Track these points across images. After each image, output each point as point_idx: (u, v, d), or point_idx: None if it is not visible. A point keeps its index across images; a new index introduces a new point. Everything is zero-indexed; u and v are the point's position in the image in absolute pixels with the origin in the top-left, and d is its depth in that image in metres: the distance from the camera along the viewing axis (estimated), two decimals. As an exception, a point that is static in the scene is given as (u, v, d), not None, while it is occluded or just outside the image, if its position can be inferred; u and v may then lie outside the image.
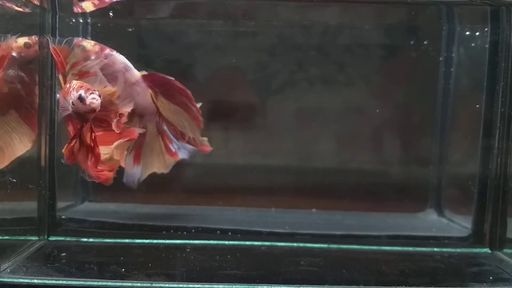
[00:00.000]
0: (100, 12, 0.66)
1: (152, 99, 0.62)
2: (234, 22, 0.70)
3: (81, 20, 0.68)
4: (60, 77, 0.56)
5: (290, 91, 0.75)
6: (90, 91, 0.53)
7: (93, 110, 0.53)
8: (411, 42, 0.75)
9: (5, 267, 0.53)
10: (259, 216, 0.72)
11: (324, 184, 0.76)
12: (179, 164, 0.71)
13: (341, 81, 0.75)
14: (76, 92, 0.52)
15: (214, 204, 0.75)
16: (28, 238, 0.62)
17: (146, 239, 0.64)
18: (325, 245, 0.65)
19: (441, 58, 0.74)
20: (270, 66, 0.74)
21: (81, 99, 0.52)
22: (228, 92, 0.76)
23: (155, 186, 0.73)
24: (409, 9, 0.64)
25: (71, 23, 0.68)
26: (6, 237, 0.59)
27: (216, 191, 0.76)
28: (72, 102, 0.53)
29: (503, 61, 0.64)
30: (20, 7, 0.57)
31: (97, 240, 0.64)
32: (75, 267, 0.53)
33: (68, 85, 0.54)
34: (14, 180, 0.54)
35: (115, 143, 0.58)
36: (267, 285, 0.50)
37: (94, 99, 0.52)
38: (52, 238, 0.64)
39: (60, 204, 0.68)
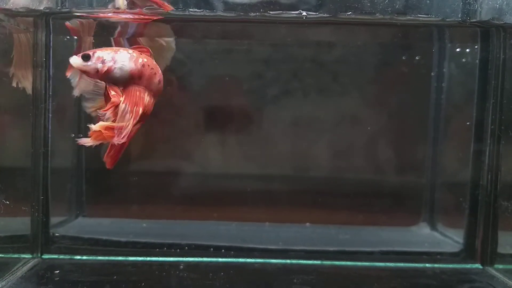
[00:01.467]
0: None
1: None
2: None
3: (75, 37, 0.68)
4: None
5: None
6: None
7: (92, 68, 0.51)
8: (403, 58, 0.76)
9: (-1, 287, 0.53)
10: (253, 231, 0.73)
11: (317, 197, 0.76)
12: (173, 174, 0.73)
13: (336, 94, 0.76)
14: None
15: (208, 218, 0.75)
16: (21, 256, 0.62)
17: (139, 256, 0.64)
18: (318, 262, 0.65)
19: (432, 73, 0.75)
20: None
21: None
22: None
23: (146, 199, 0.74)
24: (399, 30, 0.64)
25: (65, 39, 0.68)
26: (0, 255, 0.59)
27: (210, 203, 0.76)
28: None
29: (493, 79, 0.65)
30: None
31: (90, 257, 0.64)
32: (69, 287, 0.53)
33: None
34: (7, 202, 0.54)
35: None
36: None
37: (87, 52, 0.51)
38: (45, 256, 0.64)
39: (53, 220, 0.68)
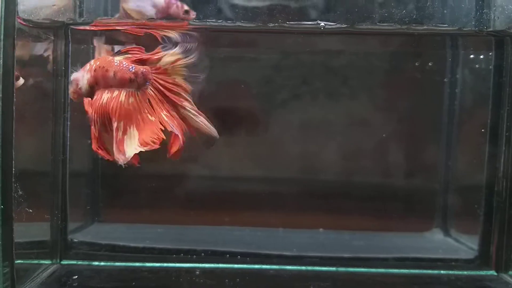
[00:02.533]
0: (111, 37, 0.68)
1: None
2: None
3: (92, 46, 0.69)
4: None
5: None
6: None
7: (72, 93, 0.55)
8: (416, 64, 0.76)
9: (20, 293, 0.54)
10: (267, 237, 0.73)
11: (330, 203, 0.76)
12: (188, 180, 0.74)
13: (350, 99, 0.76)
14: None
15: (223, 223, 0.76)
16: (41, 262, 0.63)
17: (156, 262, 0.65)
18: (334, 269, 0.65)
19: (445, 80, 0.75)
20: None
21: None
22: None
23: (161, 204, 0.75)
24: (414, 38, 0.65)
25: (82, 47, 0.69)
26: (20, 261, 0.60)
27: (225, 208, 0.76)
28: None
29: (508, 86, 0.65)
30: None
31: (108, 263, 0.65)
32: (89, 294, 0.54)
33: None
34: (30, 211, 0.55)
35: None
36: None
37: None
38: (64, 262, 0.65)
39: (71, 226, 0.69)
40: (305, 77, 0.75)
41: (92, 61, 0.53)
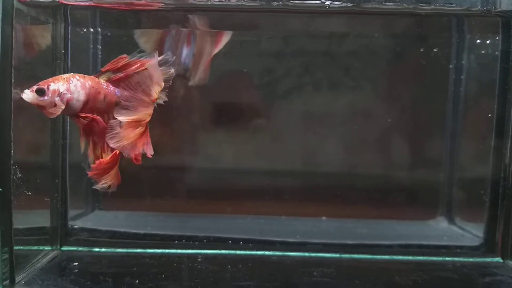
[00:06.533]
0: (110, 22, 0.67)
1: None
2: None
3: (91, 30, 0.68)
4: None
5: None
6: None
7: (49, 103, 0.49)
8: (421, 50, 0.75)
9: (20, 278, 0.53)
10: (269, 224, 0.73)
11: (335, 191, 0.75)
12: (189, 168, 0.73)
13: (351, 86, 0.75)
14: None
15: (225, 212, 0.75)
16: (41, 248, 0.62)
17: (158, 248, 0.64)
18: (337, 255, 0.65)
19: (451, 66, 0.74)
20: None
21: None
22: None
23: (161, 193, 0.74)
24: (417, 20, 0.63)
25: (81, 32, 0.68)
26: (20, 247, 0.59)
27: (227, 197, 0.75)
28: None
29: (515, 70, 0.64)
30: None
31: (109, 250, 0.64)
32: (90, 279, 0.54)
33: None
34: (30, 193, 0.55)
35: None
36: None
37: (40, 86, 0.48)
38: (64, 248, 0.64)
39: (71, 213, 0.68)
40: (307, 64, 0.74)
41: (77, 76, 0.50)
